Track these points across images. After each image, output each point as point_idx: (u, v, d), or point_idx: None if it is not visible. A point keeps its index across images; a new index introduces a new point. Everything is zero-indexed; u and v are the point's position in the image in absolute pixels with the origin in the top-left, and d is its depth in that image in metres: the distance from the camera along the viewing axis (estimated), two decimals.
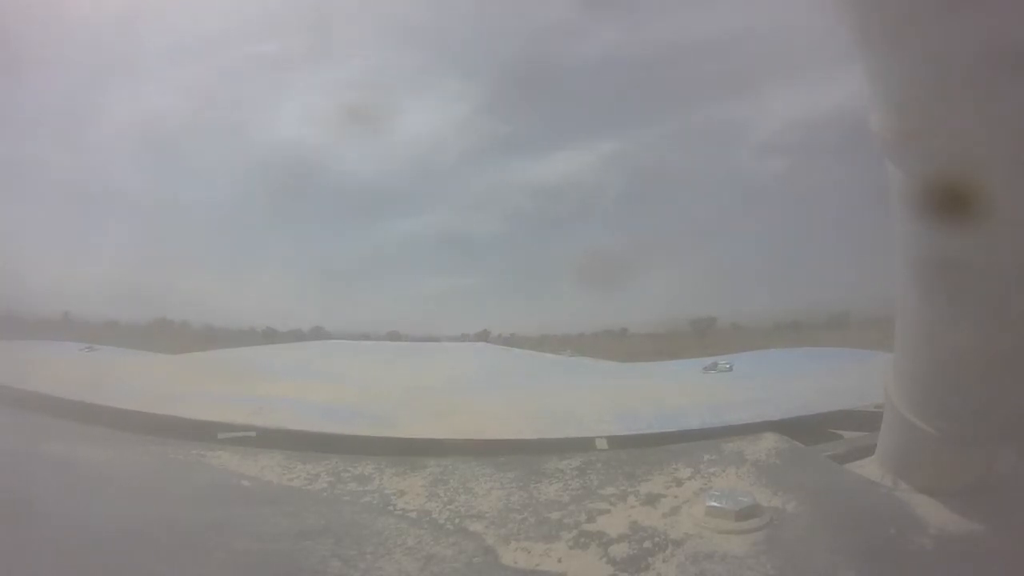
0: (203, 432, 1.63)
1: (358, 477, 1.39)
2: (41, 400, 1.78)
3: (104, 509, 1.14)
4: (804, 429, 1.56)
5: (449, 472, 1.40)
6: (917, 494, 1.20)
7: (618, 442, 1.62)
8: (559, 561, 1.08)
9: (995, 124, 0.73)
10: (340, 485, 1.36)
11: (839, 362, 2.76)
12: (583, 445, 1.60)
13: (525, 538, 1.14)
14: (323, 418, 1.89)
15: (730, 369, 2.55)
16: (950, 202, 0.78)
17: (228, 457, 1.48)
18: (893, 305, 1.06)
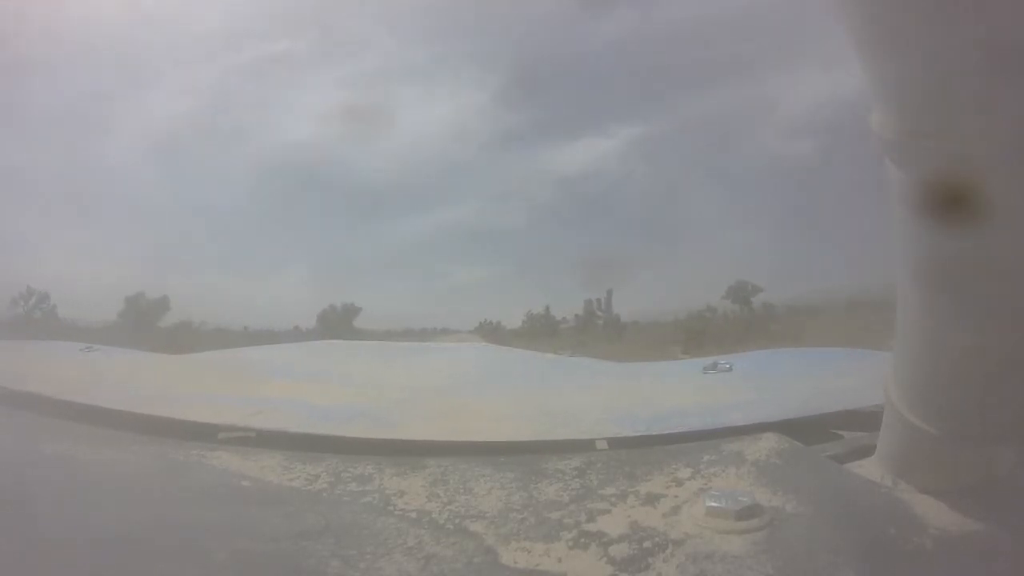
0: (203, 433, 1.63)
1: (358, 477, 1.39)
2: (41, 400, 1.78)
3: (104, 509, 1.14)
4: (804, 429, 1.55)
5: (449, 472, 1.40)
6: (917, 494, 1.20)
7: (618, 442, 1.62)
8: (559, 561, 1.08)
9: (995, 124, 0.73)
10: (340, 485, 1.36)
11: (839, 362, 2.76)
12: (583, 445, 1.60)
13: (525, 538, 1.14)
14: (323, 418, 1.89)
15: (730, 369, 2.55)
16: (950, 202, 0.78)
17: (228, 458, 1.48)
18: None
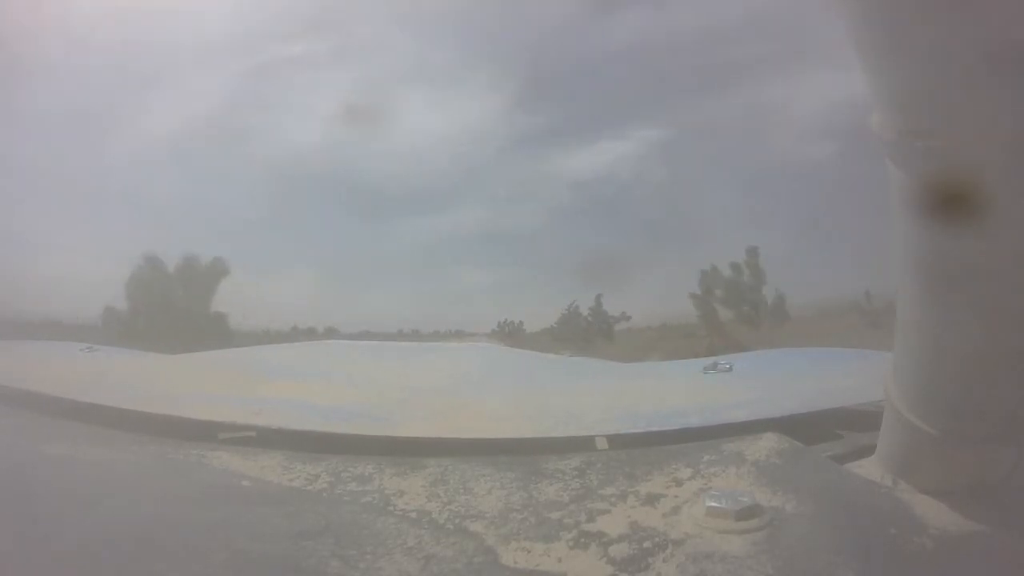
0: (203, 432, 1.63)
1: (358, 477, 1.39)
2: (41, 400, 1.78)
3: (104, 509, 1.14)
4: (804, 429, 1.55)
5: (449, 472, 1.40)
6: (917, 494, 1.20)
7: (618, 442, 1.62)
8: (559, 561, 1.08)
9: (995, 124, 0.73)
10: (340, 485, 1.36)
11: (839, 362, 2.76)
12: (583, 445, 1.60)
13: (525, 538, 1.14)
14: (323, 418, 1.89)
15: (730, 369, 2.55)
16: (951, 202, 0.78)
17: (228, 457, 1.48)
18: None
